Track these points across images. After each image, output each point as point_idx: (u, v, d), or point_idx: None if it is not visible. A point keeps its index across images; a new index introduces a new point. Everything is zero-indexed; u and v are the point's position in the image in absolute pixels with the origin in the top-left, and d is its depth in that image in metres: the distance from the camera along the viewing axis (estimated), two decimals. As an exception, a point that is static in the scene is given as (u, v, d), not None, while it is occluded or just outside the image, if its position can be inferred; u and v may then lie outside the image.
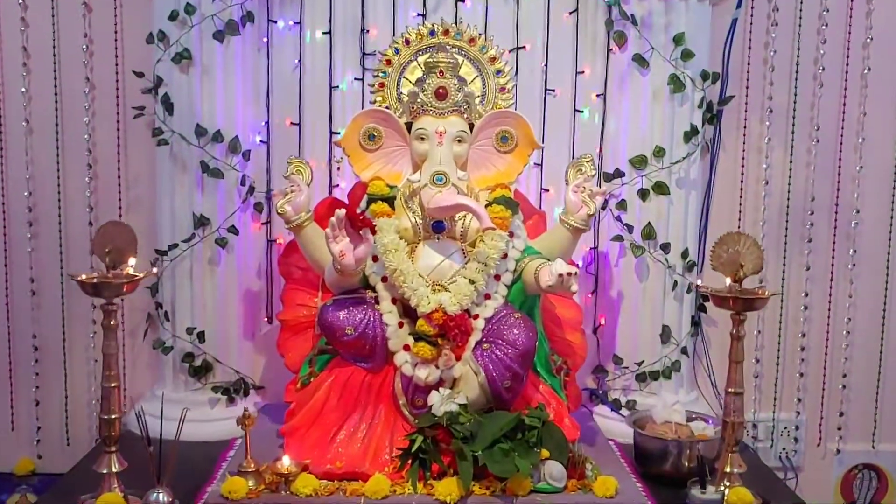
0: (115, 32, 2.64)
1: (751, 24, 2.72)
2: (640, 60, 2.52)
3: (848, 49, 2.75)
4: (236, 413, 2.16)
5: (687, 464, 2.19)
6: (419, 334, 2.14)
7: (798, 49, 2.73)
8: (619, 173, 2.58)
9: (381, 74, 2.43)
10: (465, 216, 2.25)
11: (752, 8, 2.71)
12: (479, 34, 2.44)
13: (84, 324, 2.75)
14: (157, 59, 2.47)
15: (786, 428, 2.88)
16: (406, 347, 2.15)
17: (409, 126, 2.33)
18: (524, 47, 2.63)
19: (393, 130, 2.34)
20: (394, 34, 2.56)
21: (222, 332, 2.57)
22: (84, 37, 2.63)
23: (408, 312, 2.19)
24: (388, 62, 2.42)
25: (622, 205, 2.58)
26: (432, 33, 2.41)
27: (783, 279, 2.83)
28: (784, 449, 2.88)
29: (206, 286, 2.53)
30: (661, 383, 2.62)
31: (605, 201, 2.55)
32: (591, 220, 2.31)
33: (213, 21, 2.43)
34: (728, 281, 2.15)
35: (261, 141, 2.63)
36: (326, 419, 2.16)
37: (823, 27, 2.71)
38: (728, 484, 2.06)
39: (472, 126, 2.34)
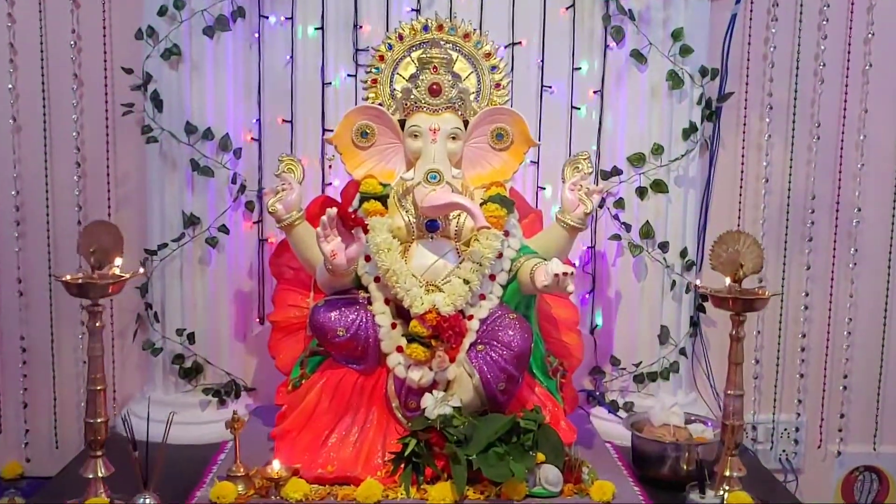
0: (104, 28, 2.62)
1: (750, 19, 2.70)
2: (638, 56, 2.49)
3: (849, 45, 2.73)
4: (227, 415, 2.13)
5: (685, 467, 2.17)
6: (412, 335, 2.12)
7: (798, 45, 2.71)
8: (616, 171, 2.55)
9: (373, 71, 2.41)
10: (459, 215, 2.22)
11: (751, 3, 2.69)
12: (474, 29, 2.43)
13: (73, 325, 2.72)
14: (147, 55, 2.44)
15: (786, 430, 2.86)
16: (399, 349, 2.13)
17: (402, 123, 2.31)
18: (520, 43, 2.61)
19: (386, 128, 2.31)
20: (387, 29, 2.54)
21: (213, 334, 2.54)
22: (72, 32, 2.61)
23: (401, 313, 2.18)
24: (382, 58, 2.40)
25: (620, 203, 2.56)
26: (426, 29, 2.39)
27: (783, 279, 2.81)
28: (784, 451, 2.86)
29: (196, 286, 2.50)
30: (659, 385, 2.59)
31: (603, 199, 2.54)
32: (588, 218, 2.30)
33: (203, 16, 2.40)
34: (727, 281, 2.13)
35: (252, 138, 2.60)
36: (318, 422, 2.14)
37: (824, 22, 2.69)
38: (727, 488, 2.05)
39: (466, 123, 2.32)
